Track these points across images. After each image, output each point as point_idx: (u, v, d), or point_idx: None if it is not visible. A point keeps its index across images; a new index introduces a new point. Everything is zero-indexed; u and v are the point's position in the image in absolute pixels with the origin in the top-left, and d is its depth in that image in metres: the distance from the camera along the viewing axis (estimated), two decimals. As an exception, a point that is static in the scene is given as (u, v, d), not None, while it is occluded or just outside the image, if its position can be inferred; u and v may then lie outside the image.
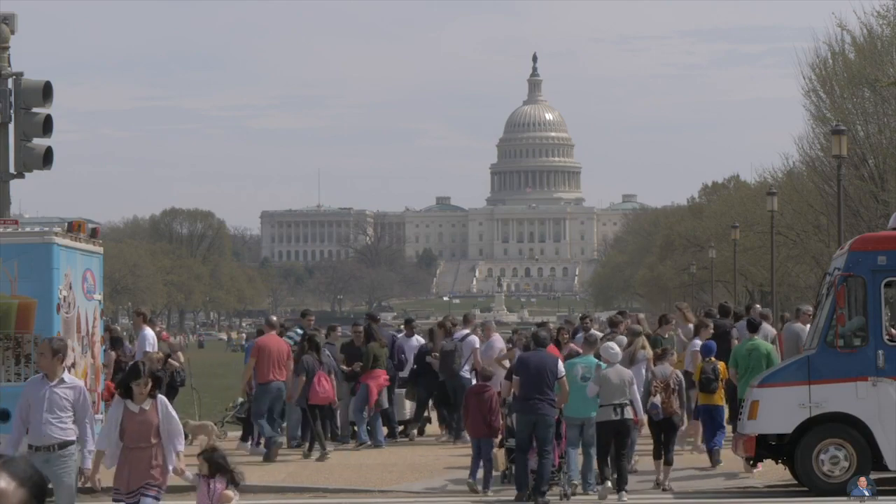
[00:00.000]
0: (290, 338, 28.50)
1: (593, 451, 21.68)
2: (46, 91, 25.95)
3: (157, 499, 14.82)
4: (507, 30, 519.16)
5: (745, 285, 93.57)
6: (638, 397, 21.91)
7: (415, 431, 30.70)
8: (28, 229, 22.47)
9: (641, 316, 33.03)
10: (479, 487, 21.89)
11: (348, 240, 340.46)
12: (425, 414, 31.21)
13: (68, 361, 21.96)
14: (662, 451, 22.56)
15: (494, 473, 22.16)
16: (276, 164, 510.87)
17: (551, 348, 22.66)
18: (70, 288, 22.11)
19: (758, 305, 30.86)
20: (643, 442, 23.94)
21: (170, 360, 28.09)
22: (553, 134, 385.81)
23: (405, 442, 29.67)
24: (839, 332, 21.19)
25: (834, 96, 58.86)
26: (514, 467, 21.58)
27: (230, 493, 15.29)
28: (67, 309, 22.00)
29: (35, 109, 26.06)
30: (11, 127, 25.96)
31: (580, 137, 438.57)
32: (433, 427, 31.46)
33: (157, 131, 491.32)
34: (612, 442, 21.43)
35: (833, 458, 21.03)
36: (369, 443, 28.06)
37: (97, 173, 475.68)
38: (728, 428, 25.22)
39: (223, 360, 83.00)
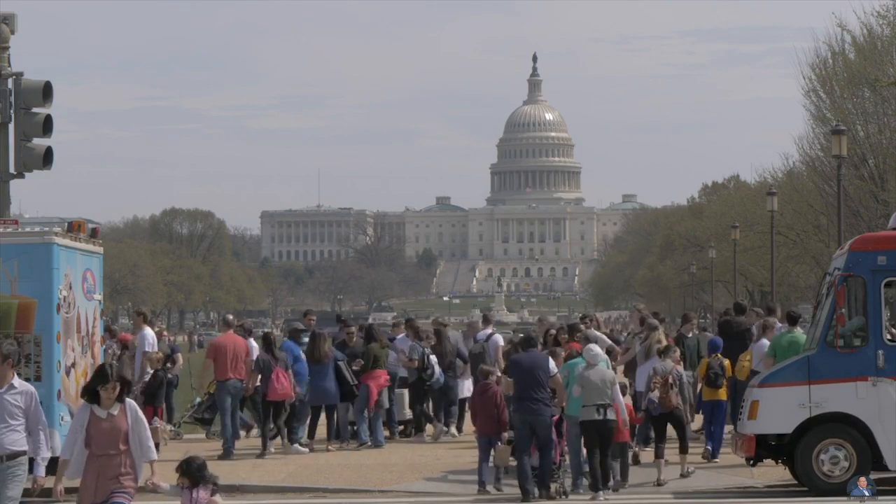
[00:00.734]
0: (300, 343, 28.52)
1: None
2: (46, 91, 25.97)
3: None
4: (506, 30, 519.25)
5: (745, 285, 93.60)
6: (621, 398, 21.96)
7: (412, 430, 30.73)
8: (28, 229, 22.48)
9: (601, 317, 33.03)
10: (491, 487, 21.92)
11: (348, 240, 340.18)
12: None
13: (68, 361, 22.07)
14: (663, 448, 22.60)
15: (494, 465, 22.13)
16: (276, 164, 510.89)
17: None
18: (70, 288, 22.12)
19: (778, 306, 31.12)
20: (670, 437, 23.62)
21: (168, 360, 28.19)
22: (553, 134, 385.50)
23: (405, 441, 29.67)
24: (839, 332, 21.19)
25: (834, 96, 58.83)
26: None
27: (217, 499, 14.52)
28: (67, 309, 22.02)
29: (35, 109, 26.09)
30: (11, 127, 26.00)
31: (580, 137, 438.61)
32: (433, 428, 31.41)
33: (157, 131, 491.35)
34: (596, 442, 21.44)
35: (833, 458, 21.03)
36: (369, 443, 28.11)
37: (97, 173, 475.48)
38: (727, 428, 25.24)
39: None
